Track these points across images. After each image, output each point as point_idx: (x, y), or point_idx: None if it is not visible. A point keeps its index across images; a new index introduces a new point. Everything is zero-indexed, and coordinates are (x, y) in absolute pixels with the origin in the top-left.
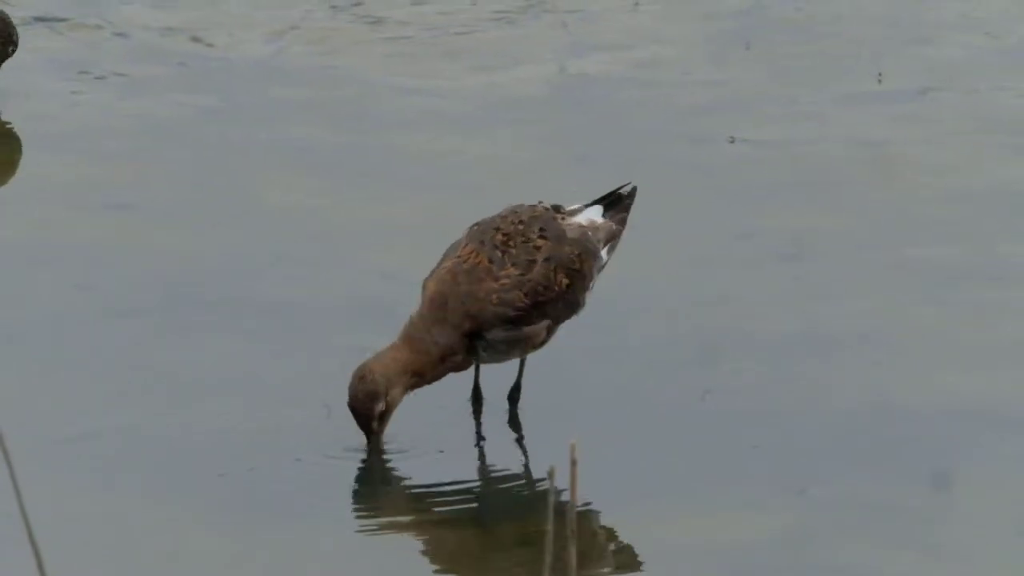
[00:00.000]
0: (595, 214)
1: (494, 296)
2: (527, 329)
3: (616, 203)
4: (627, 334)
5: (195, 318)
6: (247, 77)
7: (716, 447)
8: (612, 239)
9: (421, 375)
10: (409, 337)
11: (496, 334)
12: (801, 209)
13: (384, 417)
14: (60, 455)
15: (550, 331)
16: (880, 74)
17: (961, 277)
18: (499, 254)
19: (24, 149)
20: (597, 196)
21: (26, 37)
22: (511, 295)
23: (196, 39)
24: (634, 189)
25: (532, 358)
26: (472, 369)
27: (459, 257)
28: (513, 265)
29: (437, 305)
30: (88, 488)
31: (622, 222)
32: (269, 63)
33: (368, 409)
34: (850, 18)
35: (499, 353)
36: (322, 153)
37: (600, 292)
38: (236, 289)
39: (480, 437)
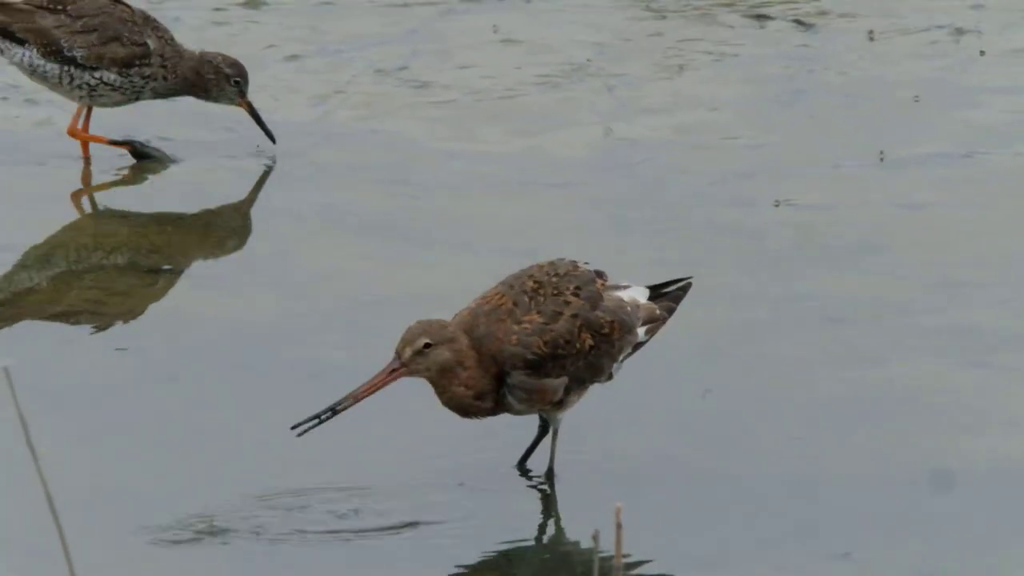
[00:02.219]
0: (640, 295)
1: (514, 337)
2: (545, 381)
3: (668, 293)
4: (669, 397)
5: (236, 383)
6: (292, 141)
7: (758, 512)
8: (653, 323)
9: (464, 382)
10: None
11: (517, 377)
12: (844, 272)
13: (417, 360)
14: (101, 516)
15: (569, 391)
16: (882, 152)
17: (1004, 341)
18: (525, 299)
19: (69, 212)
20: (636, 263)
21: (69, 102)
22: (531, 339)
23: None
24: (689, 284)
25: (571, 423)
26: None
27: (483, 299)
28: (538, 313)
29: None
30: (128, 547)
31: (669, 311)
32: (314, 127)
33: (417, 333)
34: (894, 82)
35: (521, 402)
36: (366, 216)
37: (642, 354)
38: (278, 353)
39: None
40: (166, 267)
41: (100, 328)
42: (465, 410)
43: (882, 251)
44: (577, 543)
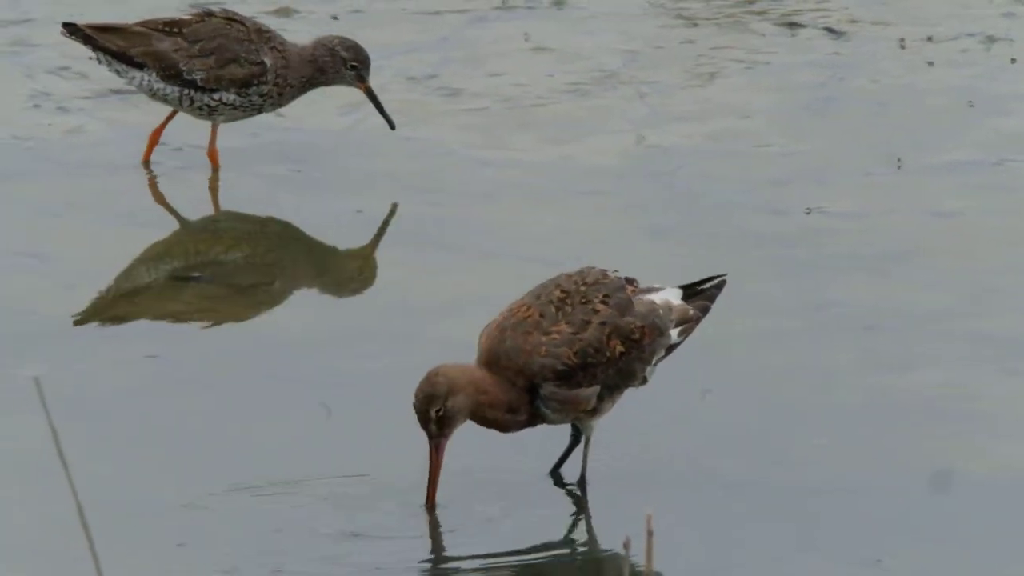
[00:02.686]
0: (673, 296)
1: (542, 348)
2: (576, 392)
3: (702, 291)
4: (698, 404)
5: (266, 391)
6: (323, 148)
7: (788, 519)
8: (686, 323)
9: (492, 402)
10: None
11: (549, 389)
12: (874, 280)
13: (444, 423)
14: (131, 524)
15: (602, 399)
16: (899, 160)
17: None
18: (553, 310)
19: (99, 220)
20: (668, 270)
21: (103, 109)
22: (560, 350)
23: None
24: (723, 282)
25: (603, 431)
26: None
27: (510, 311)
28: (567, 323)
29: (490, 362)
30: (158, 555)
31: (703, 310)
32: (345, 134)
33: (424, 409)
34: (925, 90)
35: (555, 412)
36: (397, 224)
37: (674, 363)
38: (309, 361)
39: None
40: (196, 275)
41: (130, 336)
42: (503, 426)
43: (912, 258)
44: (607, 550)
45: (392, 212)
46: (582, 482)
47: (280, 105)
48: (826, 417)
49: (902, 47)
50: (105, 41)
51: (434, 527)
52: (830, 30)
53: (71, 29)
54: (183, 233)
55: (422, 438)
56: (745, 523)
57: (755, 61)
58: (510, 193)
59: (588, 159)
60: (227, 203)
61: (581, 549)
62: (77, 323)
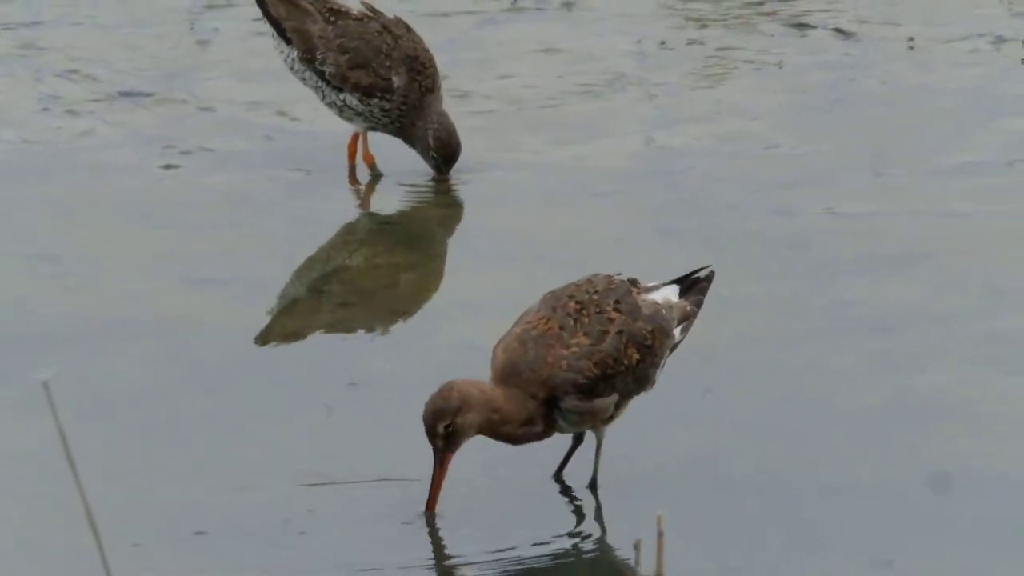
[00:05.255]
0: (671, 293)
1: (564, 362)
2: (596, 402)
3: (693, 285)
4: (709, 404)
5: (278, 392)
6: (332, 150)
7: (800, 520)
8: (686, 320)
9: (504, 419)
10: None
11: (570, 402)
12: (886, 281)
13: (451, 439)
14: (144, 526)
15: (618, 407)
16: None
17: None
18: (571, 322)
19: (110, 223)
20: (678, 272)
21: (112, 112)
22: (581, 363)
23: (281, 113)
24: (712, 273)
25: (615, 430)
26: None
27: (529, 323)
28: (585, 335)
29: (510, 374)
30: (167, 557)
31: (698, 304)
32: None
33: (432, 423)
34: (935, 91)
35: (573, 424)
36: (407, 226)
37: (686, 363)
38: (320, 363)
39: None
40: (209, 277)
41: (142, 338)
42: (517, 440)
43: (924, 259)
44: (618, 551)
45: (402, 215)
46: (593, 485)
47: (397, 132)
48: (837, 418)
49: (911, 48)
50: (272, 5)
51: (444, 528)
52: (839, 31)
53: None
54: (196, 235)
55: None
56: (757, 524)
57: (764, 62)
58: (520, 195)
59: (598, 160)
60: (239, 205)
61: (592, 550)
62: (89, 326)
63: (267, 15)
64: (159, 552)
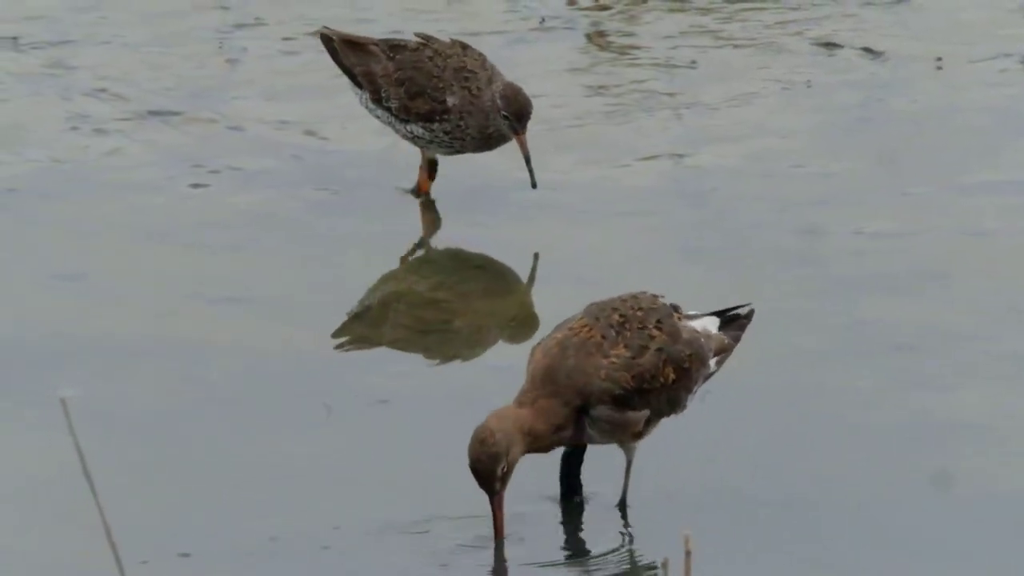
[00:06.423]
0: (711, 324)
1: (602, 372)
2: (630, 415)
3: (733, 320)
4: (731, 424)
5: (300, 412)
6: (360, 170)
7: (821, 539)
8: (723, 352)
9: (538, 437)
10: (527, 401)
11: (602, 411)
12: (911, 300)
13: (505, 478)
14: (160, 545)
15: (648, 423)
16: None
17: None
18: (613, 333)
19: (137, 242)
20: (705, 293)
21: (140, 131)
22: (619, 374)
23: (309, 132)
24: (752, 311)
25: (643, 454)
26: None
27: (571, 330)
28: (625, 347)
29: (546, 379)
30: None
31: (736, 339)
32: (382, 156)
33: (491, 471)
34: (963, 109)
35: (603, 433)
36: (433, 246)
37: (712, 381)
38: (343, 382)
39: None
40: (235, 296)
41: (165, 357)
42: (547, 449)
43: (948, 278)
44: (645, 571)
45: (427, 234)
46: (623, 504)
47: (470, 149)
48: (860, 437)
49: (939, 67)
50: (344, 55)
51: (467, 547)
52: (868, 50)
53: (325, 40)
54: (224, 254)
55: (453, 453)
56: (783, 543)
57: (792, 81)
58: (549, 214)
59: (626, 180)
60: (265, 224)
61: (619, 570)
62: (110, 344)
63: (340, 64)
64: (170, 570)
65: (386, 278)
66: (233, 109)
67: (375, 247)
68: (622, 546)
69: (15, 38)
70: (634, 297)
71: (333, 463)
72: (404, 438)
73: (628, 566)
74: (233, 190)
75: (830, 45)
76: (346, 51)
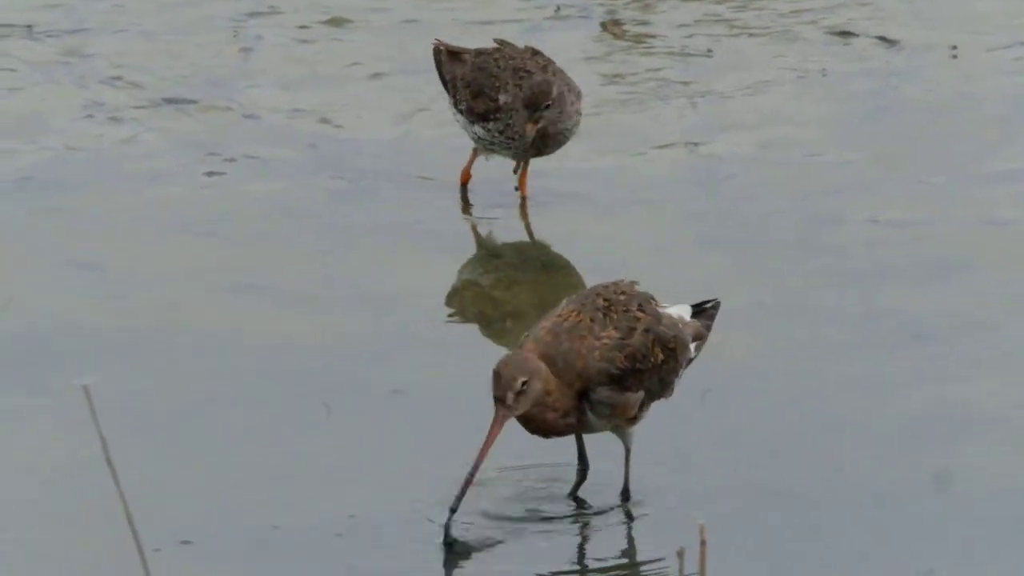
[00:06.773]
0: (684, 312)
1: (596, 353)
2: (626, 396)
3: (701, 312)
4: (747, 413)
5: (320, 401)
6: (375, 158)
7: (841, 529)
8: (700, 339)
9: (550, 404)
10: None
11: (603, 393)
12: (928, 289)
13: (520, 398)
14: (182, 534)
15: (642, 406)
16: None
17: None
18: (600, 315)
19: (152, 230)
20: (726, 285)
21: (156, 119)
22: (613, 354)
23: (325, 120)
24: (718, 303)
25: (651, 443)
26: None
27: (559, 317)
28: (615, 328)
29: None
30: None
31: (708, 328)
32: (397, 144)
33: (512, 378)
34: (979, 98)
35: (602, 417)
36: (449, 234)
37: (725, 372)
38: (362, 373)
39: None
40: (250, 284)
41: (184, 347)
42: (549, 432)
43: (966, 267)
44: (660, 561)
45: (444, 222)
46: (625, 493)
47: (532, 150)
48: (878, 428)
49: (954, 56)
50: (444, 67)
51: (476, 539)
52: (883, 39)
53: (435, 52)
54: (239, 243)
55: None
56: (799, 535)
57: (808, 70)
58: (563, 203)
59: (641, 168)
60: (280, 213)
61: (630, 561)
62: (131, 334)
63: (440, 76)
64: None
65: (402, 267)
66: (248, 97)
67: (390, 236)
68: (634, 538)
69: (30, 26)
70: (614, 283)
71: (348, 454)
72: (418, 429)
73: (643, 557)
74: (249, 178)
75: (845, 34)
76: (447, 62)
